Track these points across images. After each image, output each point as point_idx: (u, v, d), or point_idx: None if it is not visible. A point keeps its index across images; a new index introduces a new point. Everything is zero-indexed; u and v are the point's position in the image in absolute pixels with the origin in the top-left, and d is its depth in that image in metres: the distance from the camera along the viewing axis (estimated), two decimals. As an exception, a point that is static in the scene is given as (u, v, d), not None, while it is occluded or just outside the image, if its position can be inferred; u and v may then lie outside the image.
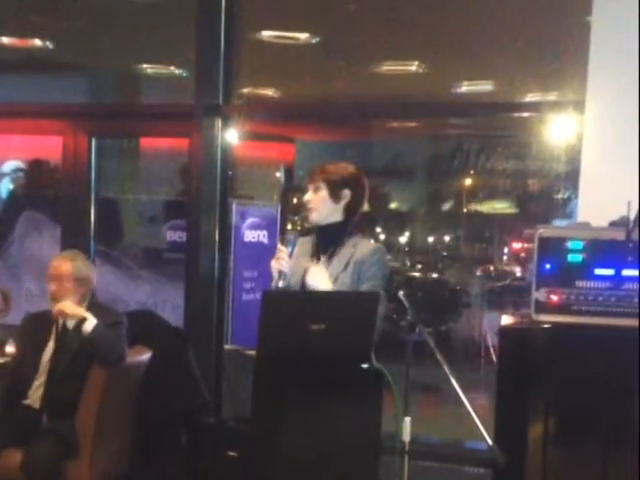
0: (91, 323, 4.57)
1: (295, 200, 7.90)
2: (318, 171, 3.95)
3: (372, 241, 4.09)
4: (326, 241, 3.93)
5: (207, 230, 5.70)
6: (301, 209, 4.08)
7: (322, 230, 3.95)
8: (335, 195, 3.92)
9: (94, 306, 4.82)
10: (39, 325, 4.88)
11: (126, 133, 6.51)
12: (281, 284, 3.81)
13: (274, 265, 3.84)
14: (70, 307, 4.62)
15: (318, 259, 3.91)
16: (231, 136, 5.75)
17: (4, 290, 5.37)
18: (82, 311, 4.64)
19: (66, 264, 4.77)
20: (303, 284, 3.89)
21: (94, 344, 4.57)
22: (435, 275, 8.87)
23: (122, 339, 4.71)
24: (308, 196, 3.95)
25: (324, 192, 3.92)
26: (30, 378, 4.74)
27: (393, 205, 9.67)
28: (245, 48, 5.94)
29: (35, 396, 4.72)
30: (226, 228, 5.78)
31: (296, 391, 3.60)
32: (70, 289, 4.74)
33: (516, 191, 8.92)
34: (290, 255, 3.86)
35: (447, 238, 9.66)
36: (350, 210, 3.95)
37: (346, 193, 3.94)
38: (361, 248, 3.90)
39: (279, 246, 3.89)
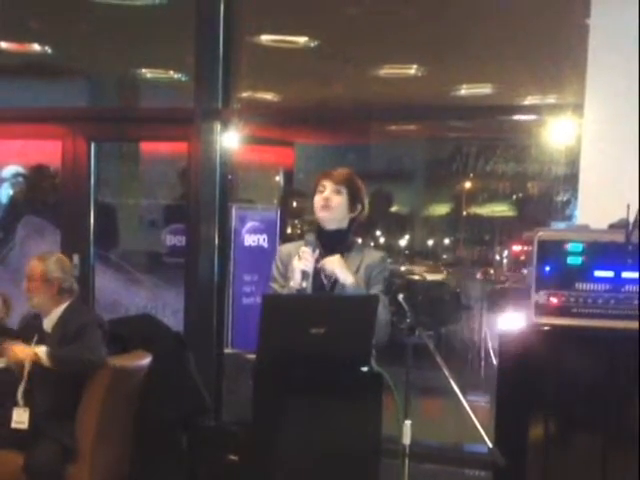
0: (43, 356, 4.59)
1: (295, 204, 7.91)
2: (343, 177, 3.96)
3: (372, 245, 4.13)
4: (331, 246, 3.93)
5: (207, 234, 5.71)
6: (305, 211, 4.08)
7: (328, 235, 3.95)
8: (352, 205, 3.97)
9: (70, 308, 4.86)
10: (28, 327, 4.95)
11: (125, 137, 6.51)
12: (304, 285, 3.80)
13: (297, 265, 3.82)
14: (19, 352, 4.64)
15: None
16: (230, 140, 5.75)
17: (4, 295, 5.37)
18: (29, 352, 4.63)
19: (37, 264, 4.85)
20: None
21: (58, 369, 4.61)
22: (435, 278, 8.86)
23: (92, 340, 4.69)
24: (328, 194, 3.93)
25: (345, 198, 3.94)
26: (16, 382, 4.74)
27: (392, 208, 9.66)
28: (244, 52, 5.95)
29: (22, 401, 4.71)
30: (226, 232, 5.78)
31: (296, 395, 3.61)
32: (38, 288, 4.82)
33: (515, 194, 8.91)
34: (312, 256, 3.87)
35: (447, 241, 9.65)
36: (353, 221, 4.00)
37: (358, 207, 3.99)
38: (369, 255, 3.97)
39: (302, 247, 3.87)
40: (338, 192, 3.93)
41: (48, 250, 5.59)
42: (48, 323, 4.83)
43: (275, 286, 3.96)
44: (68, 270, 4.96)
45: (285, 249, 4.04)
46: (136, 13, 6.29)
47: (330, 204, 3.92)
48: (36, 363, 4.61)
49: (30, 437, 4.59)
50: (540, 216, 7.51)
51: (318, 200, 3.94)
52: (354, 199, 3.96)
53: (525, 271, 7.79)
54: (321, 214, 3.94)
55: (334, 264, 3.86)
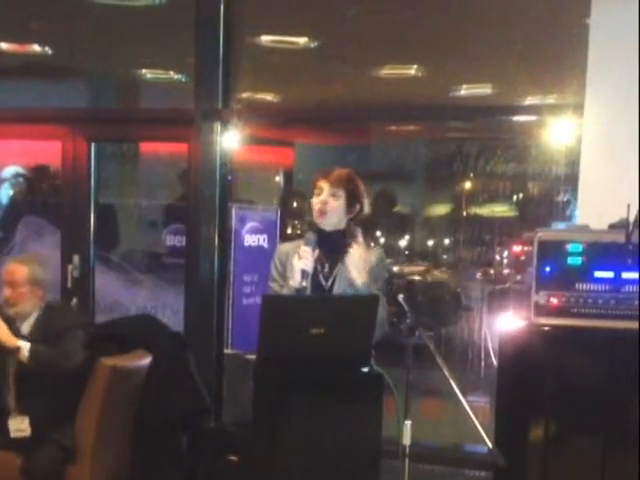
0: (25, 350, 4.50)
1: (295, 204, 7.90)
2: (341, 178, 3.93)
3: (372, 245, 4.12)
4: (330, 247, 3.93)
5: (207, 234, 5.70)
6: (305, 212, 4.07)
7: (326, 237, 3.94)
8: (351, 207, 3.95)
9: (48, 309, 4.77)
10: None
11: (125, 138, 6.51)
12: (304, 284, 3.80)
13: (297, 264, 3.82)
14: (3, 333, 4.52)
15: (323, 265, 3.92)
16: (230, 140, 5.75)
17: (4, 296, 5.36)
18: (13, 340, 4.53)
19: (21, 269, 4.70)
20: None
21: (35, 367, 4.52)
22: (435, 278, 8.86)
23: (72, 344, 4.61)
24: (325, 197, 3.91)
25: (342, 201, 3.92)
26: (3, 388, 4.67)
27: (394, 209, 9.66)
28: (244, 53, 5.95)
29: (17, 407, 4.64)
30: (226, 232, 5.78)
31: (296, 395, 3.60)
32: (25, 294, 4.68)
33: (516, 194, 8.92)
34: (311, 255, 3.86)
35: (447, 241, 9.65)
36: (352, 221, 3.99)
37: (357, 207, 3.97)
38: (369, 254, 3.95)
39: (303, 247, 3.87)
40: (335, 195, 3.91)
41: (53, 251, 5.58)
42: (26, 326, 4.72)
43: (274, 286, 3.97)
44: (48, 270, 4.88)
45: (283, 248, 4.05)
46: (136, 14, 6.28)
47: (326, 209, 3.90)
48: (13, 352, 4.50)
49: (31, 443, 4.56)
50: (540, 216, 7.51)
51: (315, 203, 3.93)
52: (352, 200, 3.95)
53: (506, 271, 7.86)
54: (318, 220, 3.93)
55: (353, 258, 3.86)
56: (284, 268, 3.95)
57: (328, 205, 3.91)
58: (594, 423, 3.96)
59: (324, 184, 3.93)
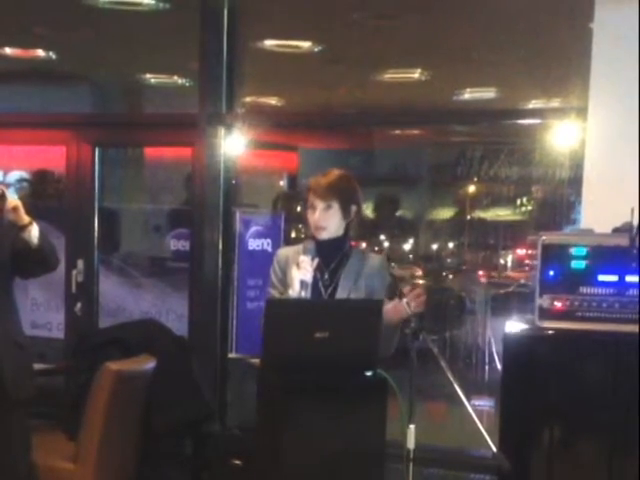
0: (35, 229, 3.97)
1: (299, 208, 7.91)
2: (331, 188, 3.85)
3: (375, 251, 4.12)
4: (329, 255, 3.91)
5: (211, 239, 5.71)
6: (304, 222, 4.04)
7: (325, 244, 3.91)
8: (346, 213, 3.90)
9: None
10: None
11: (130, 142, 6.52)
12: (303, 294, 3.76)
13: (296, 275, 3.78)
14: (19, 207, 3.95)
15: (322, 274, 3.90)
16: (234, 145, 5.75)
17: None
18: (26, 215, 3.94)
19: None
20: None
21: (39, 246, 3.99)
22: (439, 282, 8.85)
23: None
24: (318, 215, 3.87)
25: (337, 211, 3.87)
26: None
27: (397, 212, 9.66)
28: (248, 57, 5.96)
29: None
30: (230, 236, 5.78)
31: (300, 399, 3.60)
32: None
33: (520, 198, 8.92)
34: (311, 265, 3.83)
35: (451, 245, 9.64)
36: (350, 223, 3.96)
37: (354, 209, 3.93)
38: (370, 261, 3.95)
39: (301, 257, 3.83)
40: (328, 208, 3.86)
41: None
42: None
43: (274, 292, 3.94)
44: None
45: (283, 253, 4.01)
46: (140, 18, 6.29)
47: (322, 224, 3.87)
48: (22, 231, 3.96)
49: None
50: (544, 220, 7.52)
51: (310, 220, 3.89)
52: (347, 205, 3.89)
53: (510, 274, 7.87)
54: (316, 234, 3.90)
55: (351, 269, 3.87)
56: (284, 274, 3.91)
57: (322, 221, 3.86)
58: (599, 427, 3.96)
59: (315, 199, 3.87)
